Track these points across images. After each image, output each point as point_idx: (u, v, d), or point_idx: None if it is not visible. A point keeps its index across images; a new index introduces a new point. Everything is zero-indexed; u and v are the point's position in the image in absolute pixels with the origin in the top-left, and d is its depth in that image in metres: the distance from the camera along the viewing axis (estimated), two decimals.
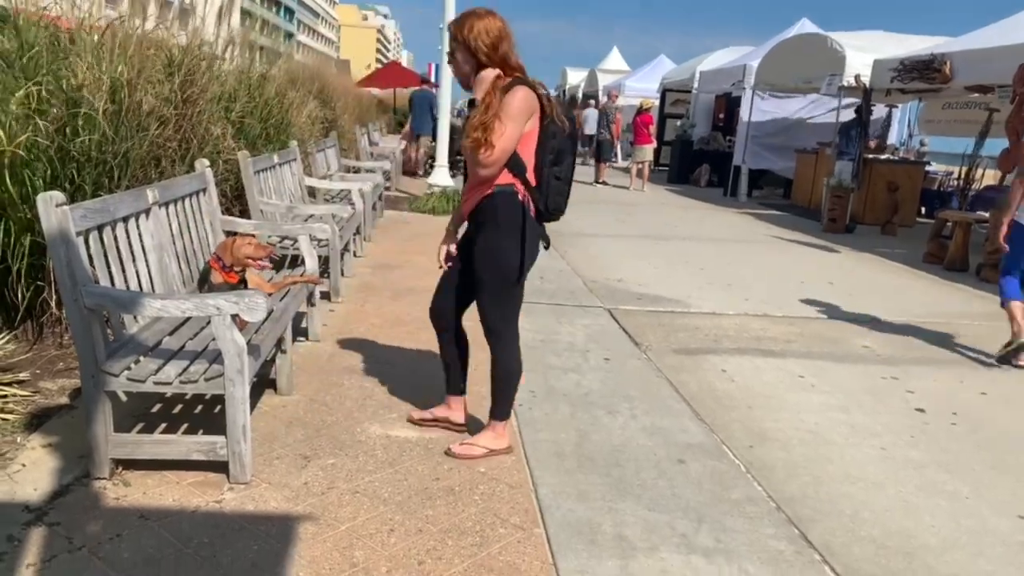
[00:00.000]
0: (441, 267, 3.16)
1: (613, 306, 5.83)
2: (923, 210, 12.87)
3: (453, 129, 11.78)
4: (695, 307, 6.00)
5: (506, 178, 2.84)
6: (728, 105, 17.40)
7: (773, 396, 4.14)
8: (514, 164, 2.83)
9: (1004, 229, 4.88)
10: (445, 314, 3.20)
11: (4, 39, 3.84)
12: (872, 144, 11.17)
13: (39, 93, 3.68)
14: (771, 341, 5.20)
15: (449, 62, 2.94)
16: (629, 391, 4.04)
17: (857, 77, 10.73)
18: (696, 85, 16.76)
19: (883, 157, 12.50)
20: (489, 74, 2.80)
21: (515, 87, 2.76)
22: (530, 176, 2.88)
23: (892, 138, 15.03)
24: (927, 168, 13.43)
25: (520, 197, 2.86)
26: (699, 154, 16.72)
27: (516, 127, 2.76)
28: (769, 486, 3.08)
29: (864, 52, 10.90)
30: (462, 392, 3.37)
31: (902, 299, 6.80)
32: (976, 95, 11.78)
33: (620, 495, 2.92)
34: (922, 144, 15.03)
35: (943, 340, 5.50)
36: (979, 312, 6.45)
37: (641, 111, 15.31)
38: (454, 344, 3.25)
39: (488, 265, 2.93)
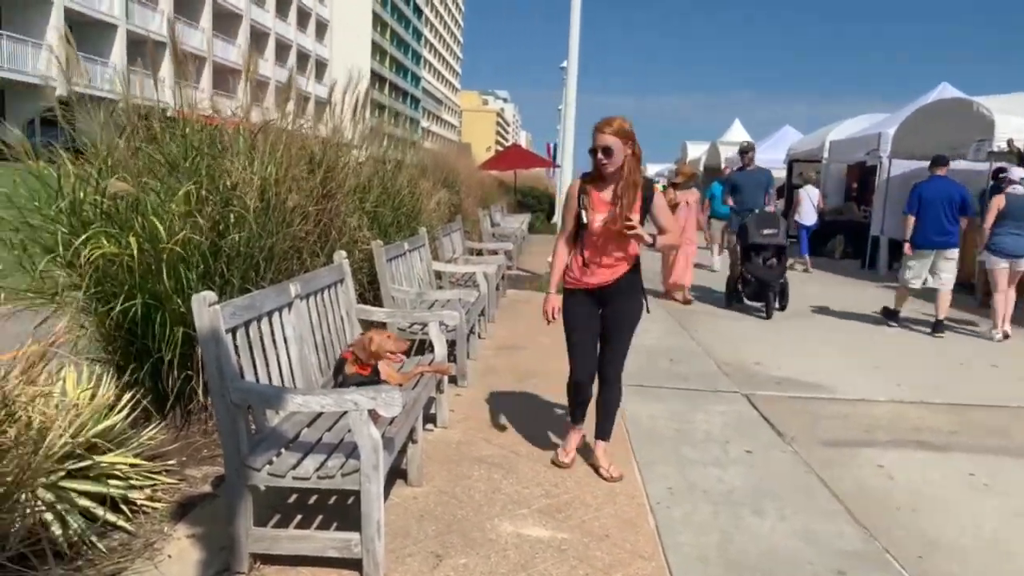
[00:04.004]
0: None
1: (751, 391, 5.51)
2: None
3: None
4: (841, 392, 5.58)
5: None
6: (861, 174, 16.66)
7: (939, 497, 3.72)
8: None
9: None
10: None
11: (173, 144, 4.18)
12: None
13: (198, 192, 3.96)
14: (931, 432, 4.73)
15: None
16: (775, 488, 3.75)
17: (1010, 142, 10.00)
18: (826, 155, 16.20)
19: None
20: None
21: None
22: None
23: None
24: None
25: None
26: (831, 225, 15.96)
27: None
28: None
29: (1015, 115, 10.20)
30: None
31: None
32: None
33: None
34: None
35: None
36: None
37: None
38: None
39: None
